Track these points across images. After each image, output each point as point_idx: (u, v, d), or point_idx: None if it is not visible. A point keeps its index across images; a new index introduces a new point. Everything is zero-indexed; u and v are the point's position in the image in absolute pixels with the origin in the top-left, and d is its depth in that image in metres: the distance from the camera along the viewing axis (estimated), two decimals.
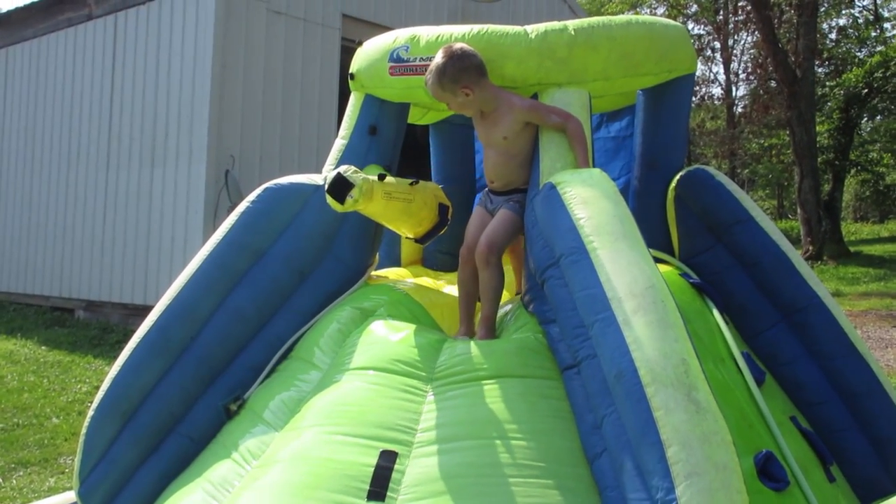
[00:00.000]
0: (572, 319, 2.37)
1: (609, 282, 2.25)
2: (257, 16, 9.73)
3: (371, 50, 3.22)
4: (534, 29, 2.97)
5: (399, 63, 3.08)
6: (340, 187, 2.71)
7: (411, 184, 3.08)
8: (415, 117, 3.64)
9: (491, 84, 2.96)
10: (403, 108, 3.38)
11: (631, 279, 2.24)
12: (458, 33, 3.00)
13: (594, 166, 2.83)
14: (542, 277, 2.59)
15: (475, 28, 3.00)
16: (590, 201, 2.47)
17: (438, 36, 3.03)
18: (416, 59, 3.05)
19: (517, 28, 2.99)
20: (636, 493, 2.03)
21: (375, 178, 2.83)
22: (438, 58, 2.90)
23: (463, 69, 2.88)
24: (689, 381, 2.06)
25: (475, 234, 3.03)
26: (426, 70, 2.97)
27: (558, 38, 2.94)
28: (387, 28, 10.90)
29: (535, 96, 3.01)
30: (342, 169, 2.73)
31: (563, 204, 2.52)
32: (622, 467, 2.09)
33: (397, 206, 2.99)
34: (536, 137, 2.95)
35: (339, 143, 3.32)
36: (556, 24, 2.98)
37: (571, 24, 2.98)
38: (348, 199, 2.71)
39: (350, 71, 3.33)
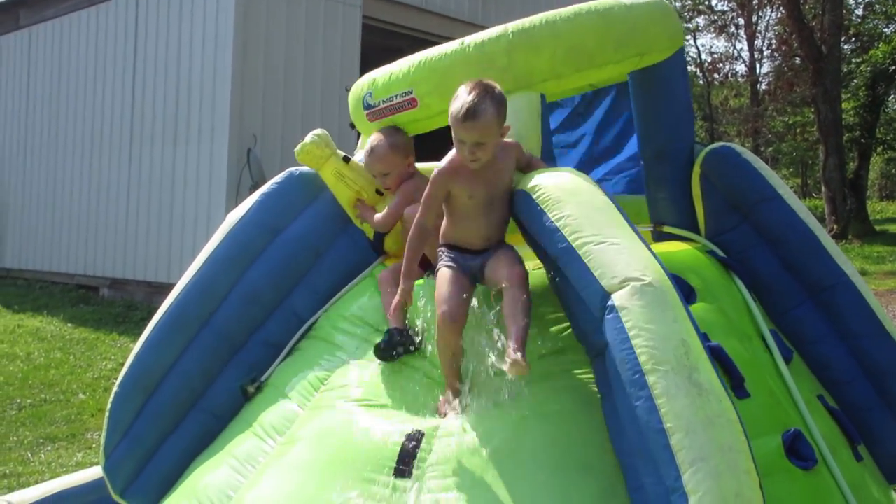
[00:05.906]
0: (585, 314, 2.33)
1: (604, 274, 2.20)
2: None
3: (352, 99, 3.35)
4: (472, 40, 2.93)
5: (370, 109, 3.22)
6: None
7: (377, 191, 3.24)
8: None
9: None
10: None
11: (623, 266, 2.20)
12: (403, 68, 3.05)
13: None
14: (552, 276, 2.56)
15: (415, 59, 3.03)
16: (564, 199, 2.40)
17: (391, 74, 3.11)
18: (379, 102, 3.16)
19: (454, 44, 2.93)
20: (649, 477, 2.02)
21: (340, 154, 3.19)
22: (484, 89, 2.45)
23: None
24: (690, 363, 2.03)
25: (457, 298, 2.53)
26: (393, 110, 3.08)
27: (495, 46, 2.87)
28: (408, 6, 10.95)
29: None
30: (318, 131, 3.18)
31: (540, 208, 2.44)
32: (638, 452, 2.09)
33: (344, 192, 3.20)
34: None
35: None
36: (495, 30, 2.89)
37: (512, 26, 2.86)
38: (298, 147, 3.16)
39: (350, 121, 3.50)
